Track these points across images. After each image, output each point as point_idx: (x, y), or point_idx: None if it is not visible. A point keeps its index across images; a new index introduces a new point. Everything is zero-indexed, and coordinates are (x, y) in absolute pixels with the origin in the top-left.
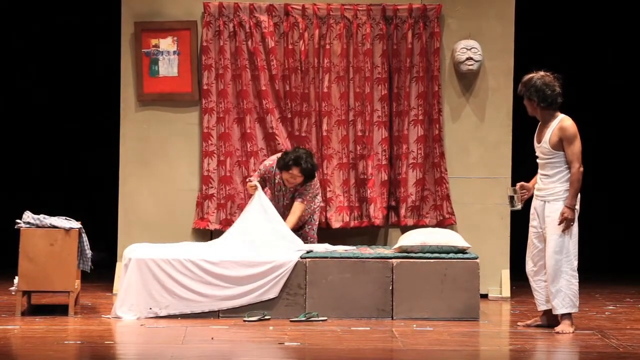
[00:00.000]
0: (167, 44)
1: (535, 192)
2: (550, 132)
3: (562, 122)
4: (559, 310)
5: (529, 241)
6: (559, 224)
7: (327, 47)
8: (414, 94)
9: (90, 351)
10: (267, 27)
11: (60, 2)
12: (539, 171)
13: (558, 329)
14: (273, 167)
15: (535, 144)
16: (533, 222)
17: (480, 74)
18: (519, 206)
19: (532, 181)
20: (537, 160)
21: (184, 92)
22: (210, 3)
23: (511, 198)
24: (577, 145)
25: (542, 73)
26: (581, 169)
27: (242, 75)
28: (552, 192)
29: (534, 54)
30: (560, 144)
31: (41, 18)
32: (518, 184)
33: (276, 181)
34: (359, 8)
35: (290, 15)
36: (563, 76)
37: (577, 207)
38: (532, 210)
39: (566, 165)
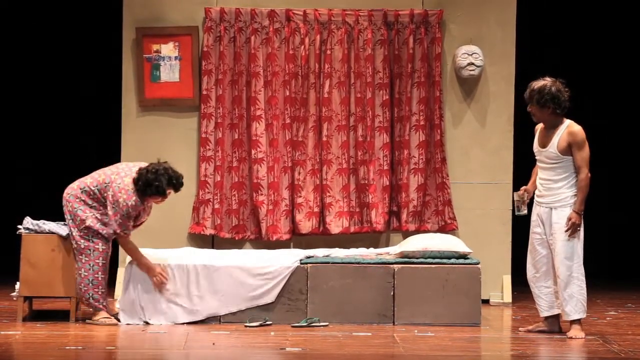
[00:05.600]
0: (168, 49)
1: (538, 199)
2: (559, 137)
3: (571, 127)
4: (573, 316)
5: (530, 247)
6: (567, 230)
7: (328, 52)
8: (415, 99)
9: (92, 357)
10: (268, 32)
11: (61, 6)
12: (540, 176)
13: (570, 334)
14: (138, 202)
15: (538, 149)
16: (536, 229)
17: (481, 79)
18: (524, 211)
19: (531, 183)
20: (540, 165)
21: (185, 98)
22: (211, 8)
23: (517, 203)
24: (586, 151)
25: (551, 79)
26: (589, 174)
27: (238, 80)
28: (559, 198)
29: (535, 59)
30: (568, 149)
31: (42, 23)
32: (521, 189)
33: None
34: (361, 13)
35: (292, 20)
36: (564, 80)
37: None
38: (534, 217)
39: (573, 170)
